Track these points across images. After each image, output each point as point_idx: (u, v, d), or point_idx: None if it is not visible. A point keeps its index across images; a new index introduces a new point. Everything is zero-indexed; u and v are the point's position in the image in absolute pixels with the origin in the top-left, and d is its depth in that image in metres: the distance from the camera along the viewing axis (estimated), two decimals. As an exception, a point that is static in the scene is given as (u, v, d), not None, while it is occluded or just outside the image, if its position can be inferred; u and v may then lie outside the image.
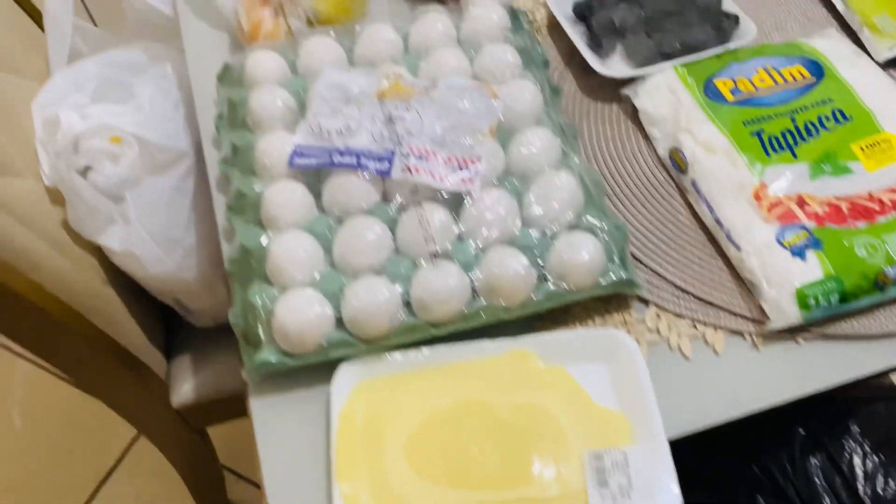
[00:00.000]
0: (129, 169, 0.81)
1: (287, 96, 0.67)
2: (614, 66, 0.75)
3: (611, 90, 0.74)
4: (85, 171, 0.83)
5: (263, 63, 0.70)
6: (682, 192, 0.68)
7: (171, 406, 1.00)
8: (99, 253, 0.87)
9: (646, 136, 0.71)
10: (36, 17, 0.98)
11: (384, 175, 0.60)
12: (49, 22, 0.87)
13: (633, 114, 0.73)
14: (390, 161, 0.60)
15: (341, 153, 0.61)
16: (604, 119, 0.73)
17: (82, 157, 0.79)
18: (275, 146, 0.64)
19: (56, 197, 0.83)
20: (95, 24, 1.02)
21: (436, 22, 0.71)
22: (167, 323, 1.03)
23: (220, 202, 0.69)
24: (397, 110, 0.63)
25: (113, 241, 0.83)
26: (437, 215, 0.59)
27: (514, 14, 0.74)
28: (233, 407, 1.06)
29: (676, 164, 0.67)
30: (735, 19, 0.74)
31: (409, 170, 0.60)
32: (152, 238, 0.82)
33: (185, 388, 1.00)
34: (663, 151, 0.69)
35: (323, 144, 0.62)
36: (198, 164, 0.84)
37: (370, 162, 0.60)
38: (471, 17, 0.72)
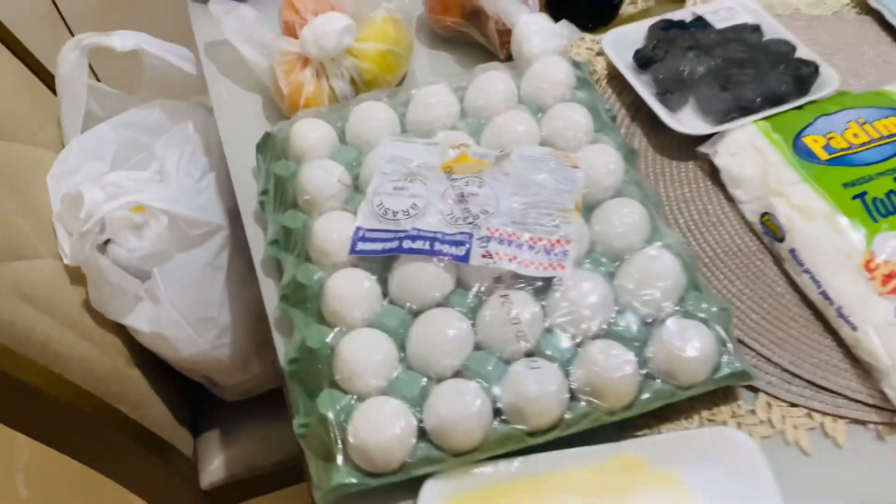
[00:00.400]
0: (156, 242, 0.75)
1: (342, 171, 0.61)
2: (687, 120, 0.69)
3: (684, 147, 0.69)
4: (105, 245, 0.77)
5: (310, 133, 0.63)
6: (778, 261, 0.62)
7: (201, 488, 0.93)
8: (123, 333, 0.80)
9: (729, 198, 0.66)
10: (47, 79, 0.91)
11: (462, 262, 0.54)
12: (62, 86, 0.81)
13: (712, 172, 0.67)
14: (468, 246, 0.54)
15: (412, 238, 0.55)
16: (680, 179, 0.67)
17: (104, 231, 0.72)
18: (334, 229, 0.57)
19: (76, 275, 0.77)
20: (98, 79, 0.95)
21: (496, 82, 0.66)
22: (192, 396, 0.96)
23: (268, 287, 0.63)
24: (469, 186, 0.57)
25: (140, 321, 0.77)
26: (525, 306, 0.52)
27: (576, 66, 0.69)
28: (265, 483, 0.99)
29: (770, 230, 0.62)
30: (815, 67, 0.69)
31: (490, 255, 0.54)
32: (184, 318, 0.76)
33: (214, 466, 0.93)
34: (752, 216, 0.64)
35: (389, 227, 0.56)
36: (232, 235, 0.77)
37: (445, 247, 0.54)
38: (532, 75, 0.67)
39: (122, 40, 0.77)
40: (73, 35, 1.57)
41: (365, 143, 0.64)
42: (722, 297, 0.59)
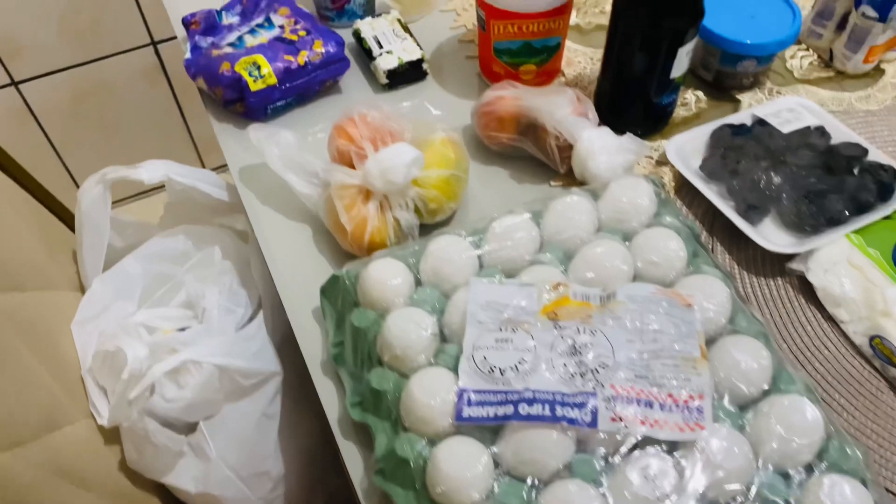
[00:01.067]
0: (200, 392, 0.68)
1: (432, 322, 0.56)
2: (770, 234, 0.66)
3: (769, 262, 0.66)
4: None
5: (390, 279, 0.58)
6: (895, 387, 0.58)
7: None
8: (163, 492, 0.72)
9: (828, 317, 0.62)
10: (65, 216, 0.84)
11: (590, 428, 0.49)
12: (83, 222, 0.74)
13: (804, 289, 0.64)
14: (593, 408, 0.49)
15: (528, 401, 0.50)
16: (773, 298, 0.64)
17: (153, 392, 0.65)
18: (433, 392, 0.51)
19: (110, 435, 0.69)
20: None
21: (578, 211, 0.61)
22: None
23: (349, 450, 0.57)
24: (581, 335, 0.53)
25: (185, 480, 0.69)
26: (664, 473, 0.47)
27: (654, 184, 0.65)
28: None
29: (884, 355, 0.58)
30: (894, 172, 0.67)
31: (620, 419, 0.49)
32: (237, 475, 0.68)
33: None
34: (860, 338, 0.60)
35: (498, 387, 0.51)
36: (285, 379, 0.70)
37: (568, 411, 0.49)
38: (612, 198, 0.63)
39: (149, 173, 0.71)
40: (44, 131, 1.51)
41: (445, 282, 0.59)
42: (855, 440, 0.55)
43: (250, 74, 0.73)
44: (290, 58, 0.75)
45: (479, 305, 0.55)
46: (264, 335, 0.69)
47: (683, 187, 0.72)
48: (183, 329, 0.74)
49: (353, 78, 0.84)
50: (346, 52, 0.82)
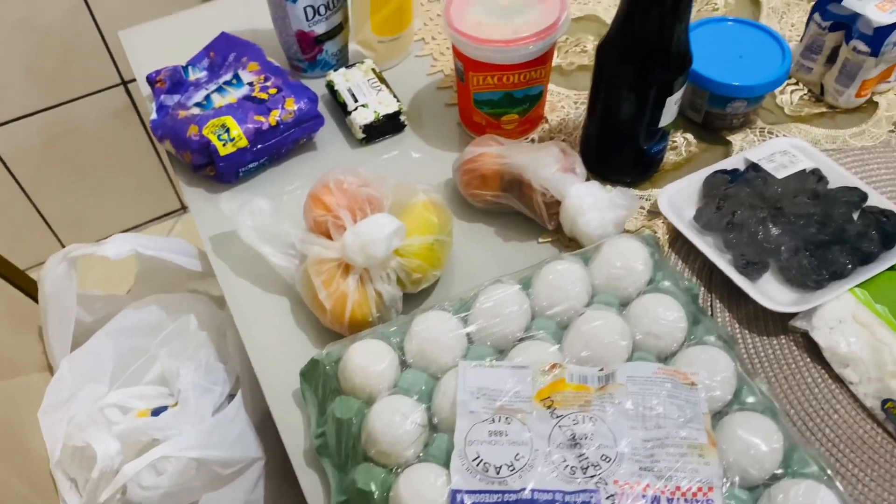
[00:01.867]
0: (178, 479, 0.64)
1: (421, 411, 0.52)
2: (771, 290, 0.63)
3: (773, 319, 0.63)
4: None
5: (372, 364, 0.55)
6: (912, 455, 0.55)
7: None
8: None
9: (836, 378, 0.59)
10: (30, 289, 0.80)
11: (594, 530, 0.45)
12: (48, 302, 0.70)
13: (809, 347, 0.61)
14: (597, 509, 0.46)
15: (526, 502, 0.46)
16: (777, 359, 0.61)
17: (125, 492, 0.61)
18: (423, 494, 0.48)
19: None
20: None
21: (570, 280, 0.58)
22: None
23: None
24: (579, 425, 0.49)
25: (165, 575, 0.65)
26: (676, 578, 0.44)
27: (648, 243, 0.62)
28: None
29: (897, 420, 0.55)
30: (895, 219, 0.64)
31: (625, 518, 0.45)
32: (219, 569, 0.64)
33: None
34: (871, 401, 0.57)
35: (493, 487, 0.47)
36: (267, 462, 0.67)
37: (570, 513, 0.46)
38: (604, 262, 0.60)
39: (115, 248, 0.67)
40: (14, 178, 1.46)
41: (433, 363, 0.55)
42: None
43: (219, 138, 0.69)
44: (261, 118, 0.71)
45: (470, 393, 0.52)
46: (244, 417, 0.65)
47: (678, 240, 0.69)
48: (158, 409, 0.71)
49: (328, 132, 0.80)
50: (321, 106, 0.79)
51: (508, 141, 0.70)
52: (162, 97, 0.79)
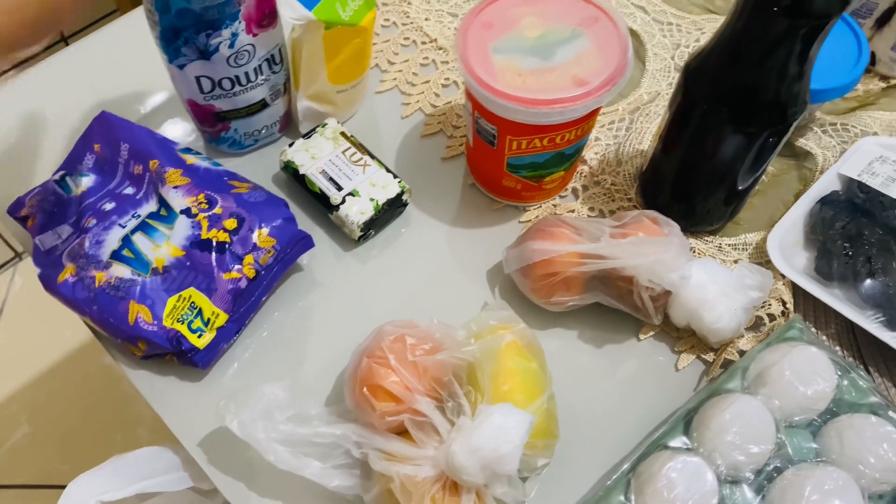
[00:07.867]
0: None
1: None
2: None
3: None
4: None
5: None
6: None
7: None
8: None
9: None
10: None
11: None
12: None
13: None
14: None
15: None
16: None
17: None
18: None
19: None
20: None
21: (761, 434, 0.44)
22: None
23: None
24: None
25: None
26: None
27: (827, 350, 0.48)
28: None
29: None
30: None
31: None
32: None
33: None
34: None
35: None
36: None
37: None
38: (790, 394, 0.46)
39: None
40: None
41: None
42: None
43: (190, 327, 0.46)
44: (235, 275, 0.48)
45: None
46: None
47: (798, 295, 0.55)
48: None
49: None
50: (271, 185, 0.57)
51: (581, 221, 0.52)
52: (39, 240, 0.53)
